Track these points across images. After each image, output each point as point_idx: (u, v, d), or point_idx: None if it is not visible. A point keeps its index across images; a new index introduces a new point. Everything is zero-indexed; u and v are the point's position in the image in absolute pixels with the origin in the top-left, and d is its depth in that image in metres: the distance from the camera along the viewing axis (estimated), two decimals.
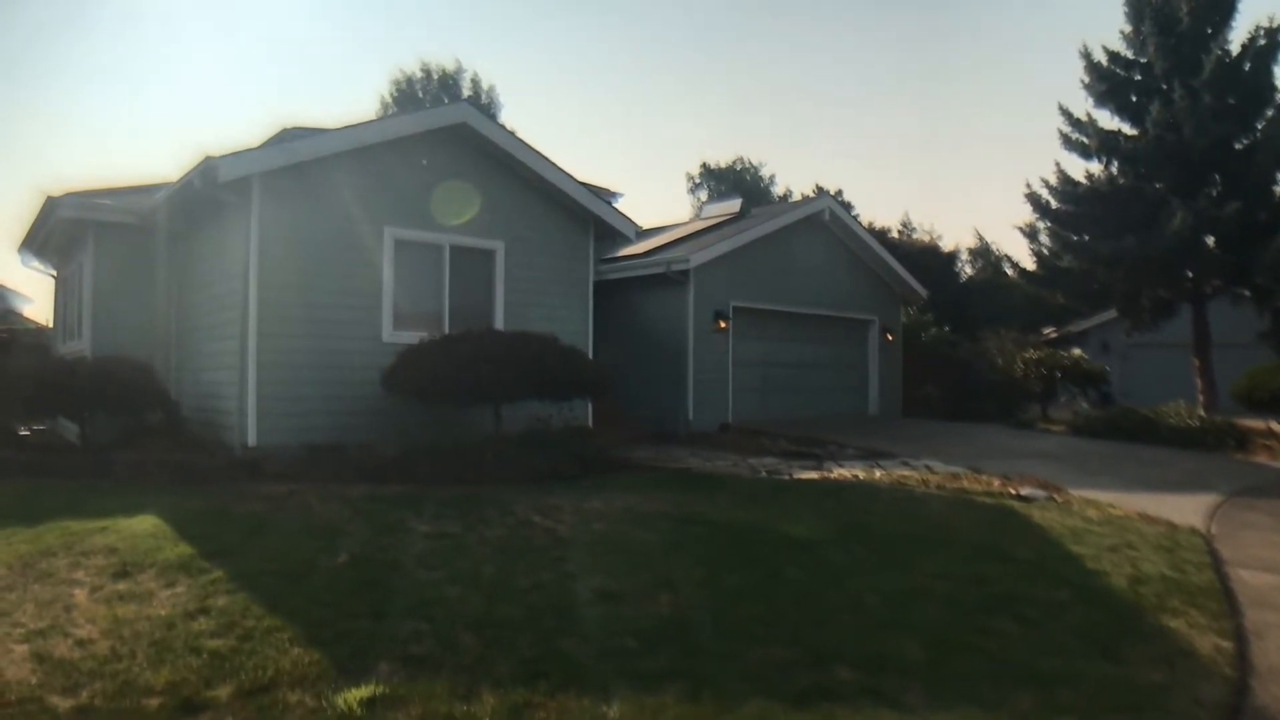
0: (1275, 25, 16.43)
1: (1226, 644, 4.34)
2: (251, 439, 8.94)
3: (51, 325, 16.72)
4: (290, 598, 4.51)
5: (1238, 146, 16.75)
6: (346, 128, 9.88)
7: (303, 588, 4.71)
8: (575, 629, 4.22)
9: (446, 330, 10.06)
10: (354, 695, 3.35)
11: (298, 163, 9.27)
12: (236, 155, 8.84)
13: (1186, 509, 7.79)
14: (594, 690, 3.48)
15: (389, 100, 38.94)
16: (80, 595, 4.52)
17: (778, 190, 44.61)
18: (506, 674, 3.62)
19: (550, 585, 4.89)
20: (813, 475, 9.50)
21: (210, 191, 8.95)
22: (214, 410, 9.85)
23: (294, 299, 9.25)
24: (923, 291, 18.44)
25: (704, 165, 46.15)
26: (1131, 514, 7.54)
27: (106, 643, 3.85)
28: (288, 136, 10.84)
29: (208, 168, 8.65)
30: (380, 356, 9.31)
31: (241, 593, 4.54)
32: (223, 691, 3.39)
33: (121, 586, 4.65)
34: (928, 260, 29.13)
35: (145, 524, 6.01)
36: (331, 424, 9.27)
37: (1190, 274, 17.15)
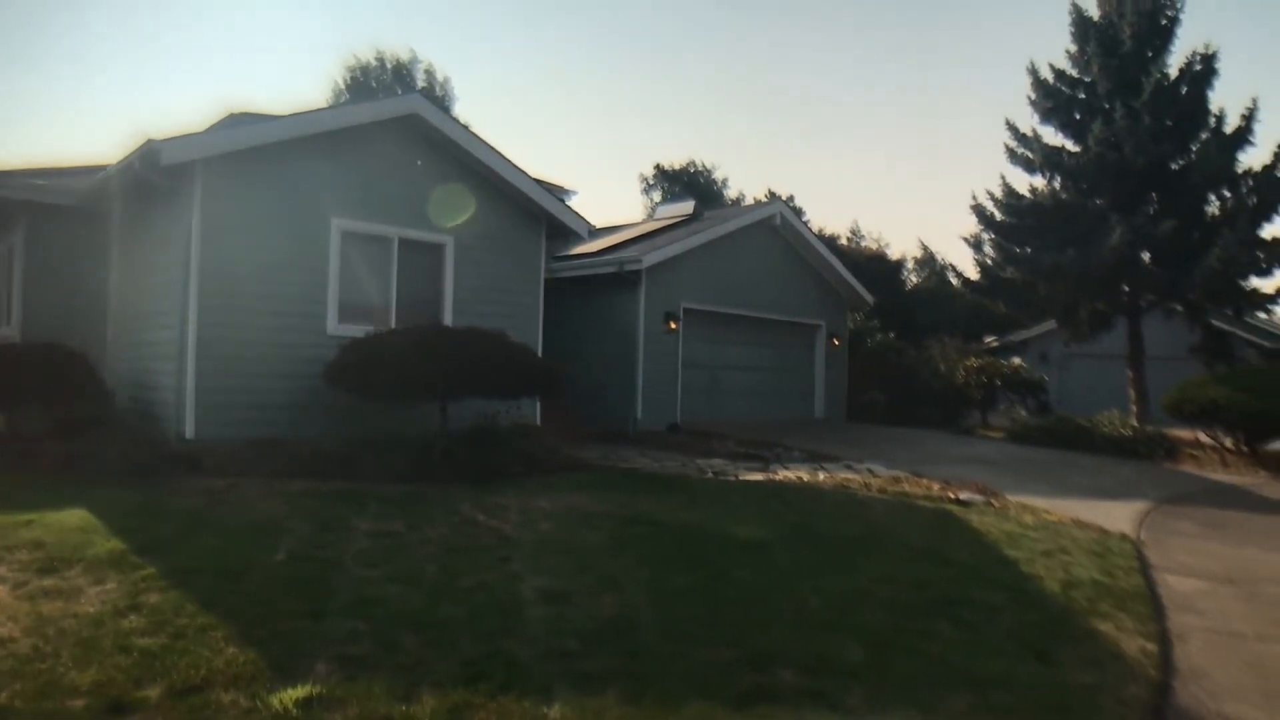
0: (1210, 52, 17.05)
1: (1152, 646, 4.49)
2: (190, 431, 8.71)
3: None
4: (226, 596, 4.40)
5: (1174, 167, 17.34)
6: (294, 115, 9.68)
7: (239, 585, 4.60)
8: (518, 629, 4.18)
9: (393, 324, 9.93)
10: (290, 695, 3.27)
11: (243, 149, 9.06)
12: (179, 139, 8.59)
13: (1118, 515, 8.05)
14: (535, 691, 3.46)
15: (342, 88, 38.27)
16: (2, 592, 4.34)
17: (731, 194, 44.88)
18: (447, 675, 3.58)
19: (494, 585, 4.85)
20: (759, 477, 9.59)
21: (151, 175, 8.69)
22: (152, 401, 9.56)
23: (236, 288, 9.03)
24: (869, 298, 18.74)
25: (658, 166, 46.15)
26: (1065, 519, 7.76)
27: (29, 641, 3.70)
28: (234, 122, 10.59)
29: (149, 151, 8.40)
30: (324, 349, 9.15)
31: (175, 590, 4.41)
32: (152, 692, 3.29)
33: (47, 583, 4.48)
34: (875, 268, 29.67)
35: (74, 518, 5.81)
36: (273, 418, 9.07)
37: (1127, 288, 17.70)
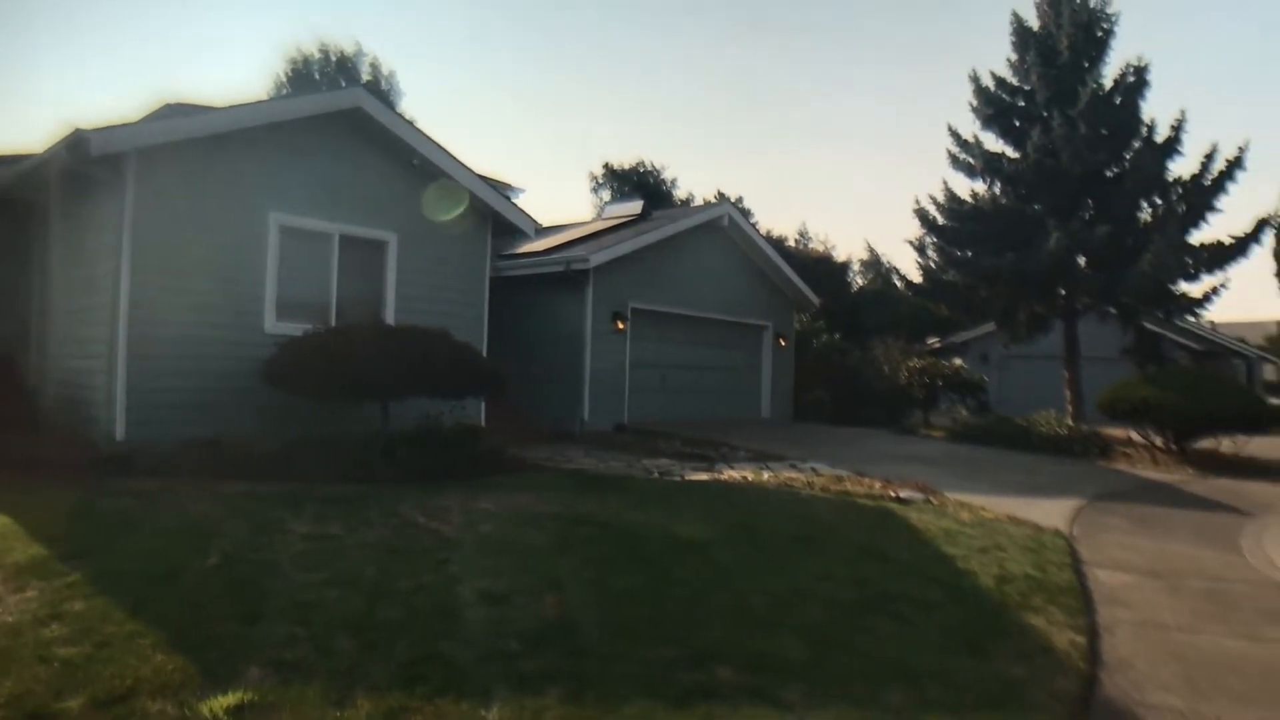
0: (1143, 64, 17.61)
1: (1081, 639, 4.62)
2: (120, 433, 8.43)
3: None
4: (156, 601, 4.26)
5: (1108, 174, 17.86)
6: (233, 107, 9.44)
7: (170, 591, 4.47)
8: (457, 631, 4.14)
9: (334, 323, 9.75)
10: (220, 703, 3.18)
11: (178, 140, 8.79)
12: (109, 129, 8.29)
13: (1052, 512, 8.27)
14: (474, 694, 3.42)
15: (284, 80, 37.43)
16: None
17: (680, 194, 44.99)
18: (384, 678, 3.52)
19: (434, 587, 4.78)
20: (704, 477, 9.64)
21: (80, 166, 8.40)
22: (81, 401, 9.22)
23: (169, 284, 8.77)
24: (815, 299, 18.99)
25: (607, 166, 46.02)
26: (1001, 516, 7.95)
27: None
28: (170, 112, 10.31)
29: (77, 140, 8.10)
30: (262, 348, 8.94)
31: (101, 596, 4.26)
32: (74, 703, 3.16)
33: None
34: (822, 269, 30.12)
35: None
36: (208, 417, 8.83)
37: (1063, 291, 18.18)
